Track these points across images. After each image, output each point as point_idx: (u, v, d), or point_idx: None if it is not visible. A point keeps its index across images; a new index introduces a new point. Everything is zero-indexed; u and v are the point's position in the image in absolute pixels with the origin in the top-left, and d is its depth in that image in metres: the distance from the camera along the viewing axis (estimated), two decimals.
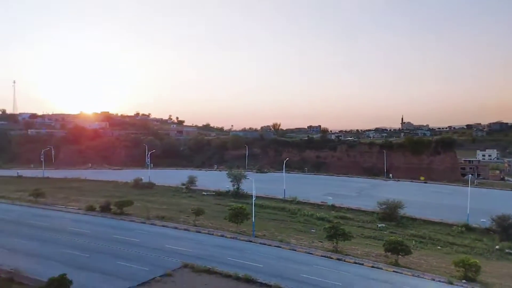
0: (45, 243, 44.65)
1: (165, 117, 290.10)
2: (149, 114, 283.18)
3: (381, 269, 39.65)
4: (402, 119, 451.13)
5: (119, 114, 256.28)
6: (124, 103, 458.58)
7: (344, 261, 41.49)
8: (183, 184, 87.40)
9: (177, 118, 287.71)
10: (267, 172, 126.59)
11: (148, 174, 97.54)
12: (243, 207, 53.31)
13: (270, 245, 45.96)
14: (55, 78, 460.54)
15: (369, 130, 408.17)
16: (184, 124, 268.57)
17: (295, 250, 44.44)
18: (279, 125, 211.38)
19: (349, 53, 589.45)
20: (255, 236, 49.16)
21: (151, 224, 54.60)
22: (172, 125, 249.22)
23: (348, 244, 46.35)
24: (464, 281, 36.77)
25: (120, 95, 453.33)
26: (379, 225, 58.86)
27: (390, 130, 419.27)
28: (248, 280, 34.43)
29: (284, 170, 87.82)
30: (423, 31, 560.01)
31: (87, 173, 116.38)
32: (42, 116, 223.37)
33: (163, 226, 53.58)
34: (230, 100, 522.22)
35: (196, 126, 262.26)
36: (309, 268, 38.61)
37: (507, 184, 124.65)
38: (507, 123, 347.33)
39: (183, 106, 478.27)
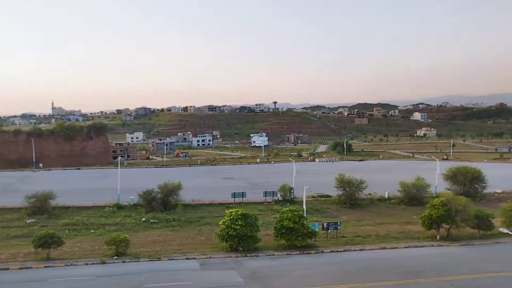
0: None
1: None
2: None
3: (31, 268, 36.41)
4: (52, 103, 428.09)
5: None
6: None
7: None
8: None
9: None
10: None
11: None
12: None
13: None
14: None
15: (15, 116, 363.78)
16: None
17: None
18: None
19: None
20: None
21: None
22: None
23: None
24: (115, 257, 39.22)
25: None
26: (28, 221, 53.60)
27: (39, 115, 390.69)
28: None
29: None
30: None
31: None
32: None
33: None
34: None
35: None
36: None
37: (152, 162, 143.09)
38: (151, 108, 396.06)
39: None
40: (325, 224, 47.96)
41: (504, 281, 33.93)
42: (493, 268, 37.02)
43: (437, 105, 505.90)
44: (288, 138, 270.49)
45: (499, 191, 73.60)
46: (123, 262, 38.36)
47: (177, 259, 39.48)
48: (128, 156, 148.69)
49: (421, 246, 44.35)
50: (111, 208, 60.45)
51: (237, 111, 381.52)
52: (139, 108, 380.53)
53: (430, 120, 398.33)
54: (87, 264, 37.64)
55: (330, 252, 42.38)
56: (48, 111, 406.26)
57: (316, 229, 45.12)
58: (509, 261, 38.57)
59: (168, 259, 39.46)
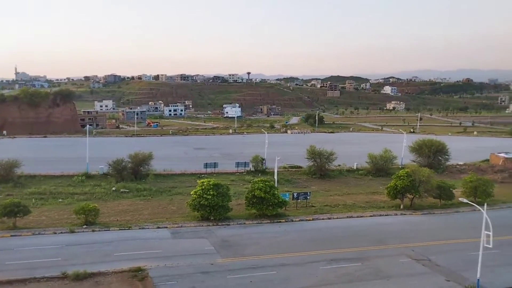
0: None
1: None
2: None
3: None
4: (15, 68, 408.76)
5: None
6: None
7: None
8: None
9: None
10: None
11: None
12: None
13: None
14: None
15: None
16: None
17: None
18: None
19: None
20: None
21: None
22: None
23: None
24: (85, 226, 38.86)
25: None
26: None
27: (2, 81, 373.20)
28: None
29: None
30: None
31: None
32: None
33: None
34: None
35: None
36: None
37: (122, 131, 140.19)
38: (120, 75, 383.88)
39: None
40: (295, 194, 48.96)
41: (462, 247, 36.04)
42: (452, 235, 39.20)
43: (407, 79, 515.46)
44: (261, 109, 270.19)
45: (461, 163, 76.95)
46: (93, 231, 38.10)
47: (148, 228, 39.56)
48: (97, 125, 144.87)
49: (385, 215, 46.24)
50: (80, 177, 59.23)
51: (210, 81, 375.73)
52: (108, 75, 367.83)
53: (400, 94, 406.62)
54: (55, 233, 37.16)
55: (299, 220, 43.52)
56: (11, 76, 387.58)
57: (287, 199, 46.05)
58: (467, 228, 40.82)
59: (139, 228, 39.46)
